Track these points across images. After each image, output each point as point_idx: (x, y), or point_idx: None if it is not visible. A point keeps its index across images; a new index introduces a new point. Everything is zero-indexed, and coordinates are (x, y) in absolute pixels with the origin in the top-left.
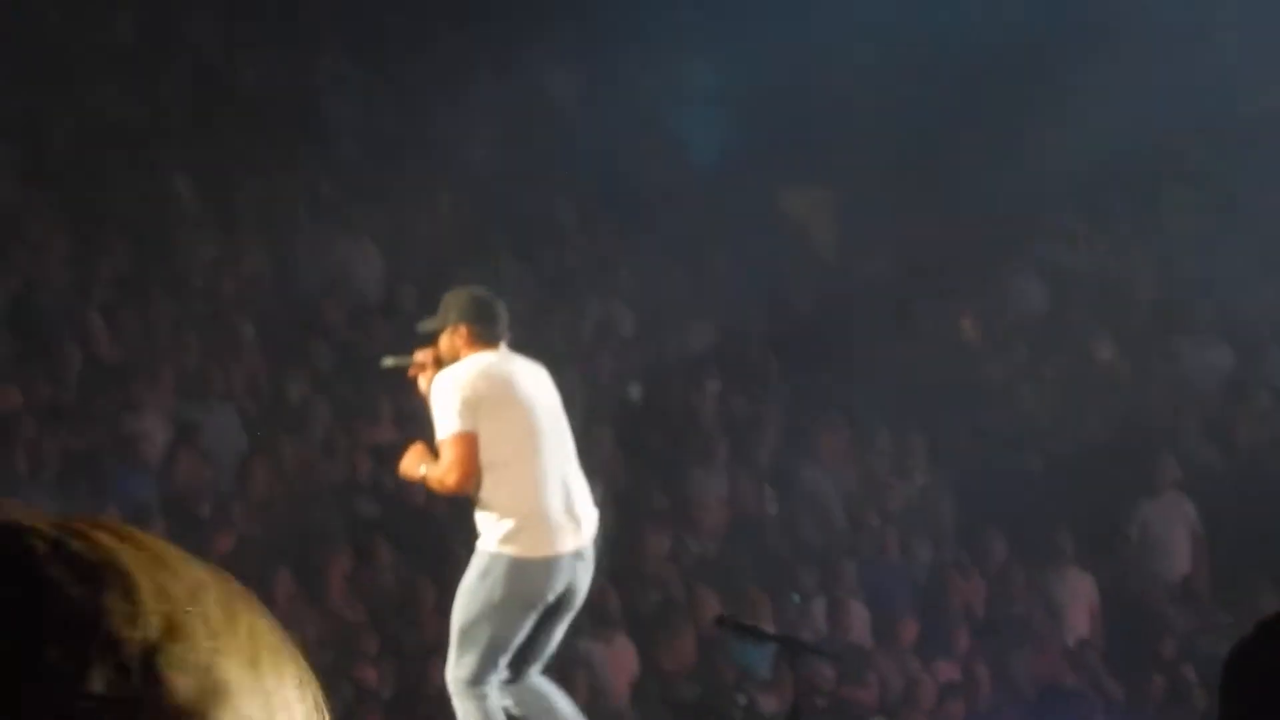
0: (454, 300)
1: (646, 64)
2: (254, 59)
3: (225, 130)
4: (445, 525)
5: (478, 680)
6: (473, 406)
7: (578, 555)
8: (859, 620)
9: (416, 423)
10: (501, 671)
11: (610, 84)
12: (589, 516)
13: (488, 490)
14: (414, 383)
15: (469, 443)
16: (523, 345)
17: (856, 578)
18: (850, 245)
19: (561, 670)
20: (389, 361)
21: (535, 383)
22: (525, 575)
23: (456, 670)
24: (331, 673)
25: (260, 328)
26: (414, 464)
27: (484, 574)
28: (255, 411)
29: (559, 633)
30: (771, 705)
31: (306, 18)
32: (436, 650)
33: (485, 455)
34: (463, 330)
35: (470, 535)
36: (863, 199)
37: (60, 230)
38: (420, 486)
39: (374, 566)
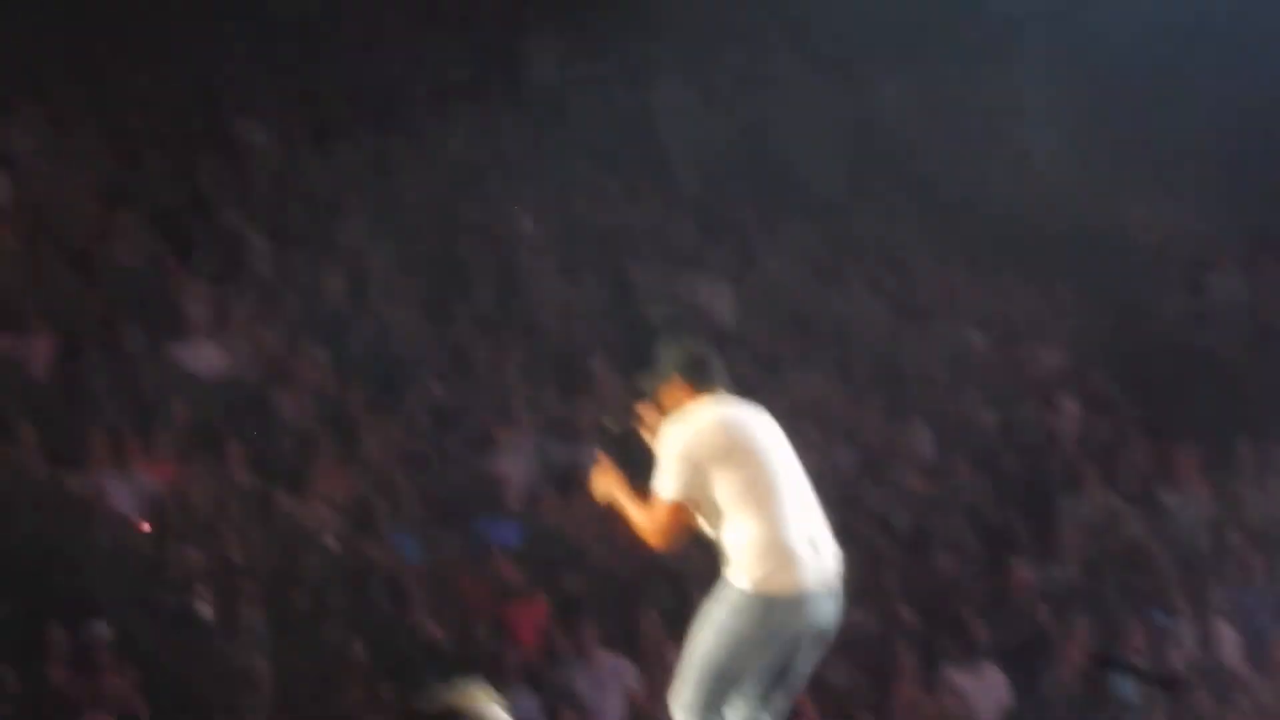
0: (667, 354)
1: (989, 82)
2: (594, 93)
3: (568, 166)
4: None
5: (710, 710)
6: (699, 464)
7: (826, 591)
8: (1229, 643)
9: None
10: (742, 703)
11: (953, 101)
12: (833, 552)
13: (734, 531)
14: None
15: (681, 513)
16: (876, 373)
17: (1223, 599)
18: (1205, 263)
19: (932, 699)
20: (608, 422)
21: (762, 425)
22: (774, 612)
23: (689, 698)
24: None
25: (611, 363)
26: (609, 488)
27: (732, 610)
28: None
29: (806, 668)
30: None
31: (644, 52)
32: None
33: (727, 498)
34: (680, 382)
35: None
36: (1216, 217)
37: (412, 273)
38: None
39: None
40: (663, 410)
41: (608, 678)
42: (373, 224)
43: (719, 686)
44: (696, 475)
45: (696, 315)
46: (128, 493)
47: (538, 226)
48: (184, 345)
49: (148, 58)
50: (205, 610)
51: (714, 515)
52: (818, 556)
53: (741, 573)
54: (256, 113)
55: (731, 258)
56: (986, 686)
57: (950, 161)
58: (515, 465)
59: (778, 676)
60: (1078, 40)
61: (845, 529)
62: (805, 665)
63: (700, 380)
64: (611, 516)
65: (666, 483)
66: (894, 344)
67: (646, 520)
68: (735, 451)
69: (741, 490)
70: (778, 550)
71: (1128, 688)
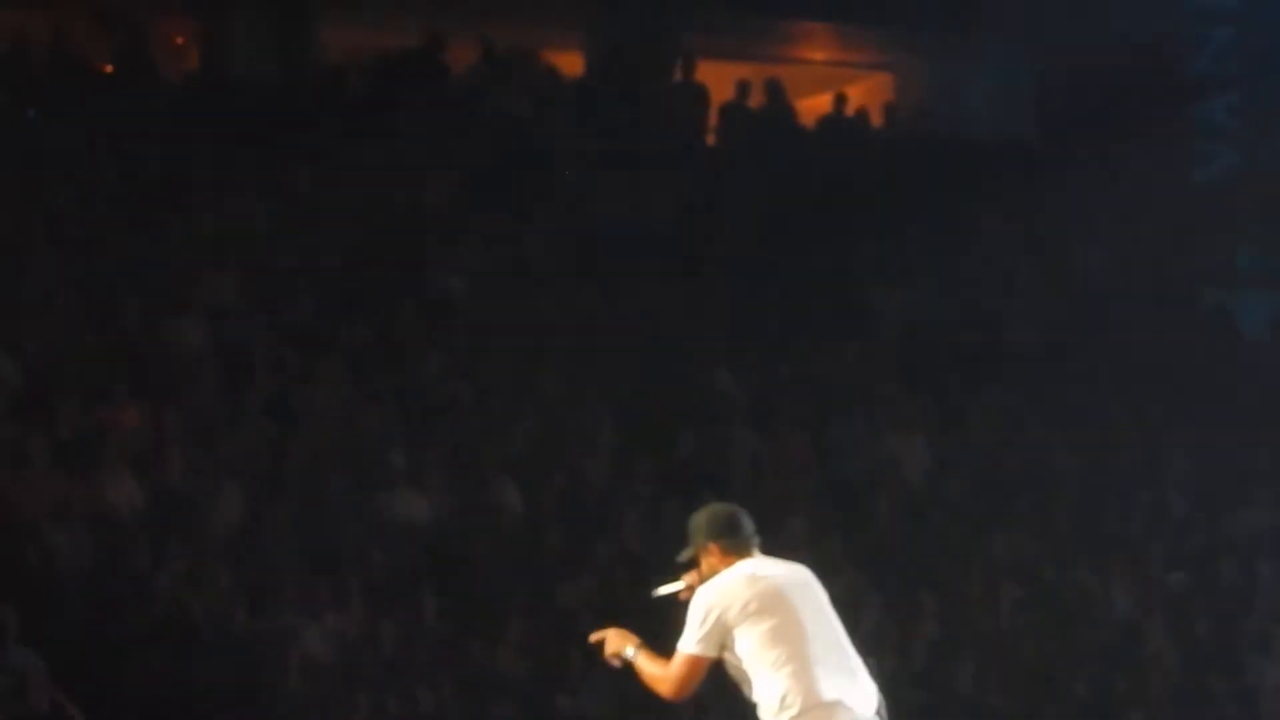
0: (698, 523)
1: (1196, 249)
2: (794, 248)
3: (767, 320)
4: None
5: None
6: (722, 620)
7: None
8: None
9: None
10: None
11: (1158, 267)
12: (867, 694)
13: (762, 686)
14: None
15: (697, 667)
16: (1074, 532)
17: None
18: None
19: None
20: (660, 591)
21: (794, 582)
22: None
23: None
24: None
25: (807, 519)
26: (620, 645)
27: None
28: None
29: None
30: None
31: (848, 207)
32: None
33: (753, 652)
34: (713, 548)
35: None
36: None
37: (606, 425)
38: None
39: None
40: (703, 577)
41: None
42: (570, 374)
43: None
44: (718, 631)
45: (893, 472)
46: (321, 638)
47: (735, 379)
48: (380, 492)
49: (347, 205)
50: None
51: (743, 676)
52: (851, 698)
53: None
54: (456, 261)
55: (930, 415)
56: None
57: (1153, 326)
58: None
59: None
60: None
61: (1040, 685)
62: None
63: (732, 544)
64: None
65: (688, 636)
66: (1092, 504)
67: (661, 671)
68: (758, 604)
69: (767, 642)
70: (810, 693)
71: None
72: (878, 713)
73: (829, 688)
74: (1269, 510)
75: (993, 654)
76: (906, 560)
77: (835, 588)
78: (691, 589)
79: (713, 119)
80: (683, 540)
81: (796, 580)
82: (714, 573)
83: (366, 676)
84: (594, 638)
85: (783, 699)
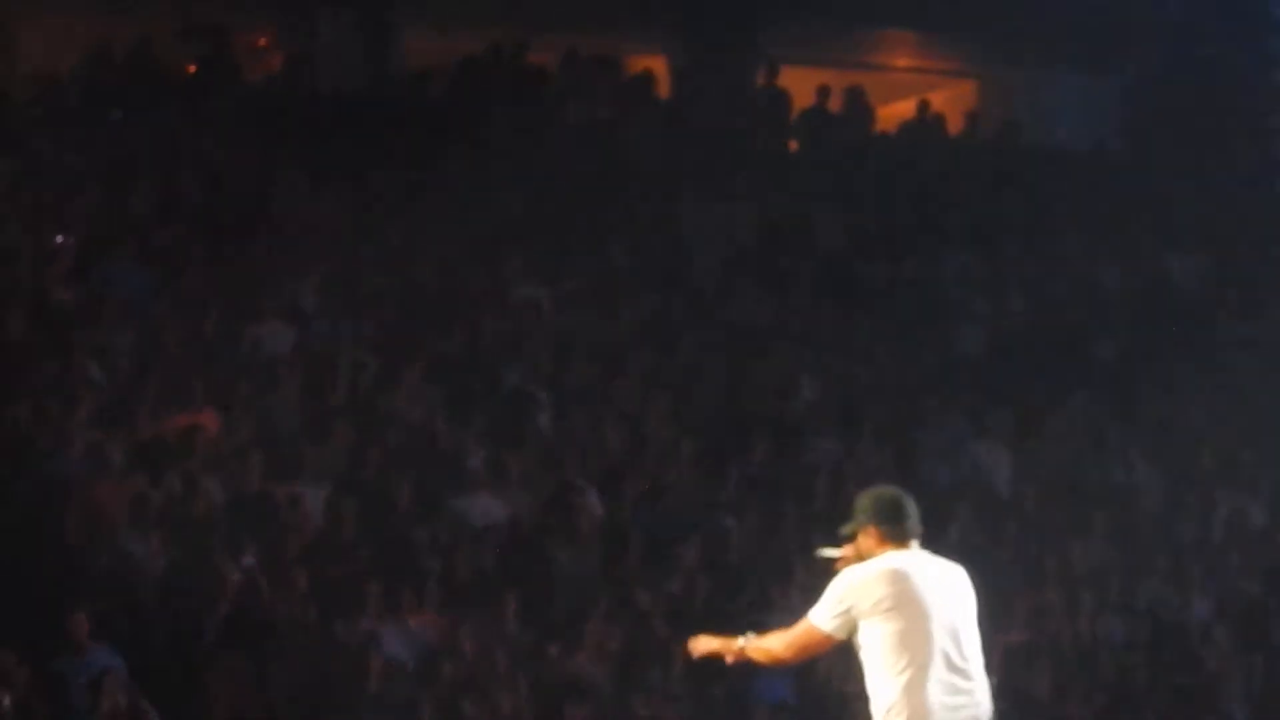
0: (865, 502)
1: (1268, 257)
2: (880, 258)
3: (852, 329)
4: None
5: None
6: (854, 608)
7: None
8: None
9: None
10: None
11: (1241, 273)
12: (981, 713)
13: (878, 684)
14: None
15: (821, 642)
16: (1153, 543)
17: None
18: None
19: None
20: (825, 551)
21: (939, 582)
22: None
23: None
24: None
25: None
26: (728, 643)
27: None
28: None
29: None
30: None
31: (930, 220)
32: None
33: (878, 648)
34: (872, 531)
35: None
36: None
37: (688, 434)
38: None
39: None
40: (858, 554)
41: None
42: (652, 381)
43: None
44: (847, 618)
45: (975, 481)
46: (401, 641)
47: (818, 387)
48: (462, 497)
49: (431, 214)
50: None
51: (864, 667)
52: (963, 716)
53: None
54: (538, 271)
55: (1012, 424)
56: None
57: (1236, 333)
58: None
59: None
60: None
61: (1119, 696)
62: None
63: (891, 530)
64: None
65: (821, 612)
66: (1172, 514)
67: (780, 637)
68: (893, 603)
69: (890, 645)
70: (920, 707)
71: None
72: None
73: (939, 706)
74: None
75: (1071, 663)
76: (988, 568)
77: None
78: (846, 561)
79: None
80: (766, 548)
81: (943, 584)
82: (868, 554)
83: (445, 680)
84: (697, 649)
85: (890, 708)
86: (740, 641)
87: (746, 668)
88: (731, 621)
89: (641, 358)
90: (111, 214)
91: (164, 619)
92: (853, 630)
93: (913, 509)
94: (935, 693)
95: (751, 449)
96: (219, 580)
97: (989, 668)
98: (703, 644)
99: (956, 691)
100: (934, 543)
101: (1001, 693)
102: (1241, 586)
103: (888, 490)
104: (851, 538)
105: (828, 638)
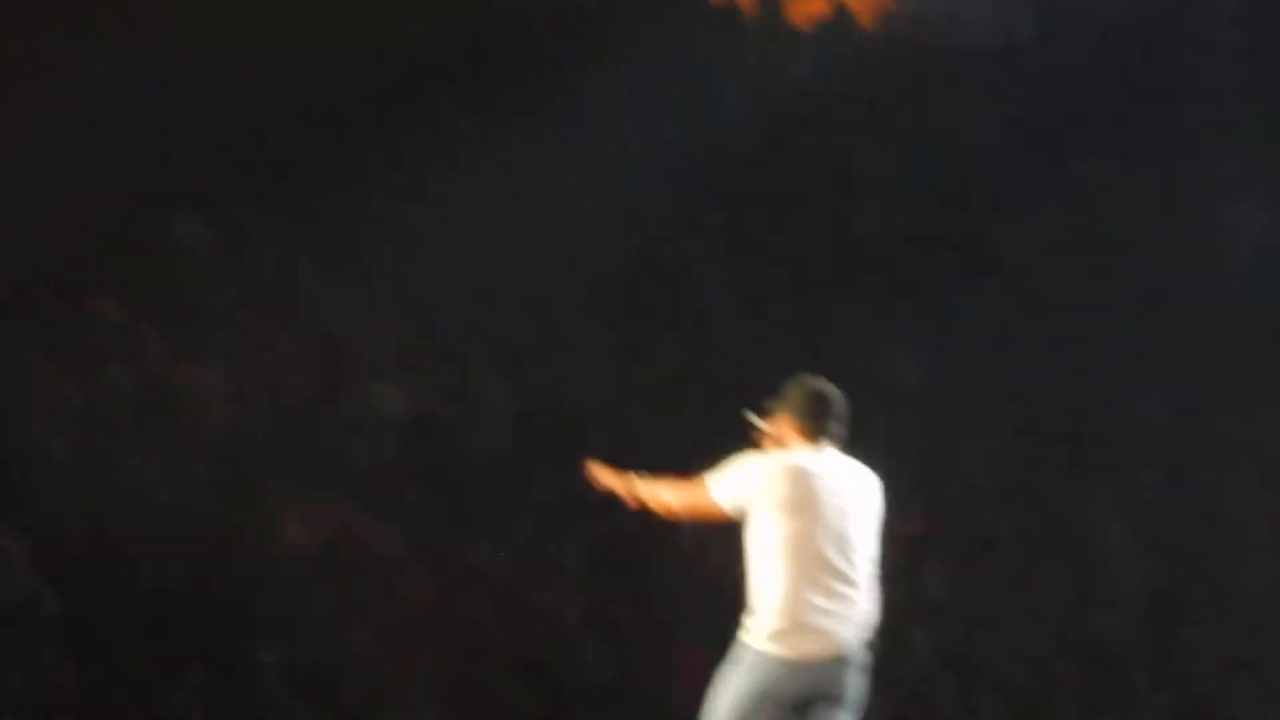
0: (793, 391)
1: (1195, 161)
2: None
3: (756, 223)
4: None
5: None
6: (753, 498)
7: (836, 660)
8: None
9: None
10: None
11: (1156, 178)
12: (858, 623)
13: (759, 583)
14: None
15: (712, 511)
16: (1055, 437)
17: None
18: None
19: None
20: (751, 416)
21: (843, 487)
22: (774, 674)
23: None
24: None
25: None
26: (619, 483)
27: (740, 665)
28: None
29: None
30: None
31: (845, 112)
32: None
33: (767, 544)
34: (791, 422)
35: None
36: None
37: (597, 324)
38: None
39: None
40: (773, 437)
41: None
42: (560, 271)
43: None
44: (741, 504)
45: (881, 376)
46: (301, 529)
47: (730, 280)
48: (365, 385)
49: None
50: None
51: (750, 558)
52: (837, 625)
53: (755, 627)
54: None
55: (919, 320)
56: None
57: (1146, 237)
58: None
59: None
60: None
61: (1016, 587)
62: None
63: (808, 427)
64: None
65: (721, 484)
66: (1075, 409)
67: (678, 489)
68: (790, 505)
69: (779, 547)
70: (795, 612)
71: None
72: (868, 644)
73: (817, 616)
74: (1249, 422)
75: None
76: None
77: None
78: (766, 436)
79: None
80: (672, 439)
81: (847, 489)
82: (779, 442)
83: (345, 568)
84: (596, 478)
85: (767, 604)
86: (638, 483)
87: (652, 557)
88: (633, 511)
89: (550, 245)
90: None
91: (65, 504)
92: (744, 515)
93: (838, 410)
94: (814, 596)
95: (659, 339)
96: (122, 465)
97: (888, 564)
98: (603, 475)
99: (837, 598)
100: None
101: (898, 586)
102: (1141, 480)
103: (818, 386)
104: (768, 417)
105: (719, 510)
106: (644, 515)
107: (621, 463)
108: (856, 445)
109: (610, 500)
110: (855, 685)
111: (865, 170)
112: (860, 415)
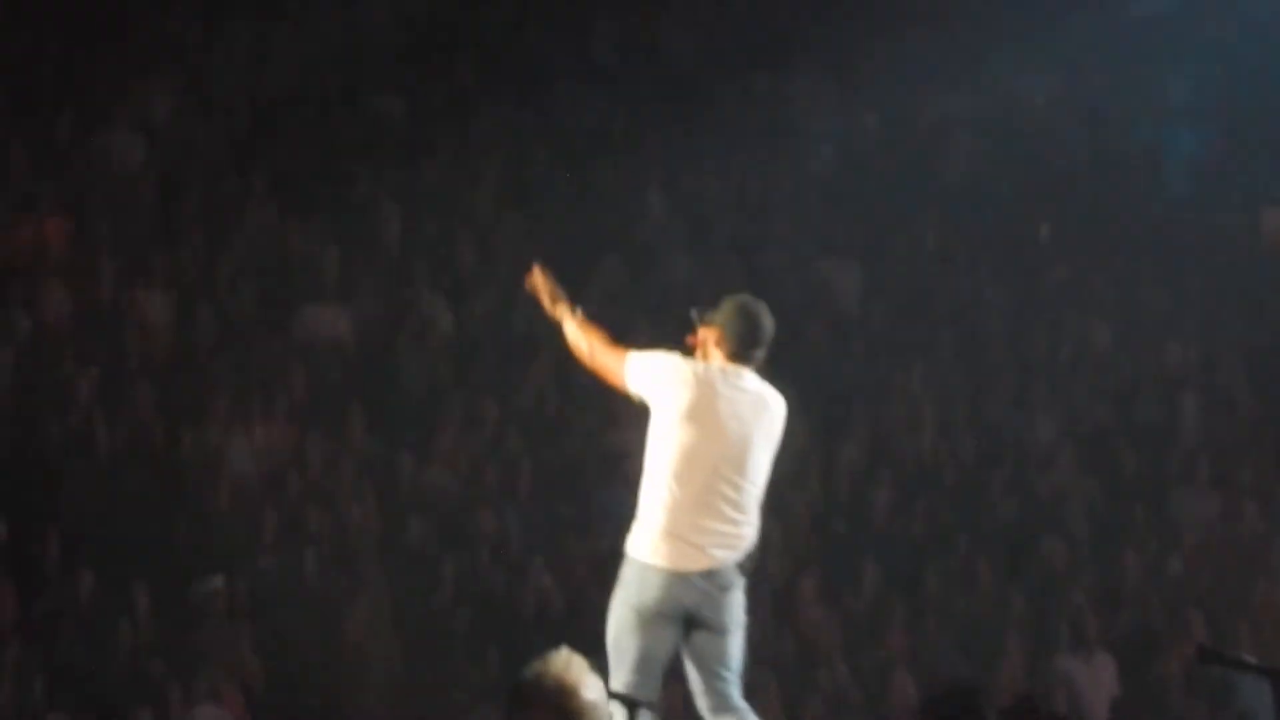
0: (728, 306)
1: (1130, 80)
2: (731, 76)
3: (701, 145)
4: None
5: (632, 689)
6: (657, 397)
7: (706, 576)
8: None
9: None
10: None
11: (1093, 98)
12: (733, 543)
13: (647, 494)
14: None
15: (618, 381)
16: (999, 362)
17: None
18: None
19: (1041, 688)
20: (696, 314)
21: (747, 414)
22: (646, 582)
23: (611, 676)
24: None
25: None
26: (552, 299)
27: (621, 581)
28: None
29: (711, 662)
30: None
31: (782, 31)
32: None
33: (657, 455)
34: (716, 334)
35: None
36: None
37: (540, 247)
38: None
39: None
40: (696, 343)
41: None
42: (503, 194)
43: (618, 661)
44: (648, 394)
45: (822, 298)
46: (247, 454)
47: (667, 203)
48: (309, 308)
49: (286, 23)
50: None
51: (645, 467)
52: (708, 540)
53: (635, 536)
54: (391, 82)
55: (860, 243)
56: (1097, 675)
57: (1086, 157)
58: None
59: (691, 669)
60: (1226, 39)
61: (959, 515)
62: (703, 657)
63: (733, 346)
64: None
65: (637, 366)
66: (1019, 334)
67: (602, 350)
68: (691, 414)
69: (672, 453)
70: (677, 527)
71: (1251, 690)
72: (740, 565)
73: (698, 534)
74: (1195, 345)
75: (914, 480)
76: (830, 385)
77: None
78: (693, 339)
79: None
80: None
81: (750, 410)
82: (701, 351)
83: (291, 493)
84: (534, 281)
85: (650, 520)
86: (573, 314)
87: (600, 484)
88: (581, 436)
89: (491, 169)
90: None
91: (10, 429)
92: (642, 403)
93: (766, 335)
94: (699, 517)
95: (602, 264)
96: (67, 391)
97: (830, 485)
98: (541, 283)
99: (723, 520)
100: (779, 359)
101: (841, 508)
102: (1087, 406)
103: (752, 308)
104: (699, 325)
105: (623, 384)
106: (593, 439)
107: (567, 383)
108: (795, 367)
109: (565, 425)
110: (734, 607)
111: (804, 89)
112: (801, 336)
